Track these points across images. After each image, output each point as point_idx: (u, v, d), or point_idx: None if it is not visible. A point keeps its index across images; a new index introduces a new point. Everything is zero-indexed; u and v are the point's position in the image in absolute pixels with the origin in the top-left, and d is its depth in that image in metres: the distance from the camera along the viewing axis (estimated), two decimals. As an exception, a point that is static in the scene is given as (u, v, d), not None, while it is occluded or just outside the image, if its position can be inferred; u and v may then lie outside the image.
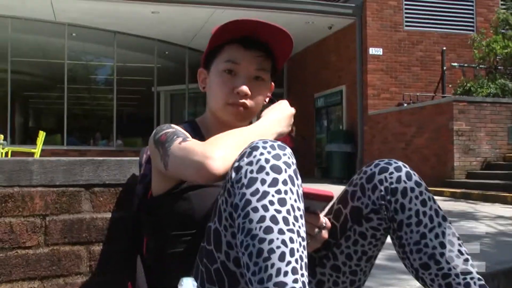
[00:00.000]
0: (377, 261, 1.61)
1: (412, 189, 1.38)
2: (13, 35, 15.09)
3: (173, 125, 1.52)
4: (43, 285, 1.69)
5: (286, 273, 1.05)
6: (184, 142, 1.35)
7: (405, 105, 12.53)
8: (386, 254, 1.55)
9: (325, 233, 1.40)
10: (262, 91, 1.55)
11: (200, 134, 1.58)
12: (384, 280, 2.68)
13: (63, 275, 1.72)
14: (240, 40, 1.49)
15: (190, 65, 17.07)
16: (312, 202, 1.30)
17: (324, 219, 1.40)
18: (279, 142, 1.20)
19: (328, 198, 1.30)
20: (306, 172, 14.84)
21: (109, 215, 1.78)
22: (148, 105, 17.08)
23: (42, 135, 9.85)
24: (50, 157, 1.78)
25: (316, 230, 1.37)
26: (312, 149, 15.57)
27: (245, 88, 1.48)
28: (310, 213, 1.33)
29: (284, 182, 1.14)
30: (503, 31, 12.32)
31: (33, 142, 10.46)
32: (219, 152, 1.25)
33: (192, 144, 1.34)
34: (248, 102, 1.51)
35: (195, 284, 1.11)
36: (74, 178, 1.73)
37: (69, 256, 1.72)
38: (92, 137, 17.19)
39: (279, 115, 1.44)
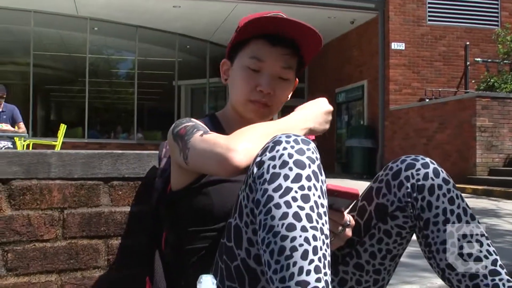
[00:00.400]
0: (398, 258, 1.57)
1: (440, 187, 1.33)
2: (35, 29, 15.22)
3: (192, 119, 1.49)
4: (61, 278, 1.67)
5: (308, 272, 1.02)
6: (206, 135, 1.33)
7: (427, 100, 12.40)
8: (407, 251, 1.51)
9: (348, 231, 1.36)
10: (286, 90, 1.52)
11: (221, 128, 1.55)
12: (405, 278, 2.65)
13: (81, 269, 1.70)
14: (267, 35, 1.45)
15: (211, 59, 17.09)
16: (337, 199, 1.26)
17: (348, 217, 1.36)
18: (302, 137, 1.17)
19: (354, 195, 1.25)
20: (326, 167, 14.42)
21: (127, 209, 1.76)
22: (169, 99, 17.14)
23: (63, 128, 9.91)
24: (68, 150, 1.76)
25: (340, 228, 1.33)
26: (332, 144, 15.49)
27: (268, 88, 1.46)
28: (334, 210, 1.29)
29: (308, 178, 1.10)
30: (528, 25, 12.15)
31: (54, 135, 10.53)
32: (243, 144, 1.22)
33: (214, 136, 1.31)
34: (270, 101, 1.48)
35: (215, 281, 1.07)
36: (92, 171, 1.71)
37: (87, 250, 1.71)
38: (113, 130, 17.31)
39: (312, 111, 1.40)
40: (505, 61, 12.51)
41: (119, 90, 18.25)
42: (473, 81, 13.17)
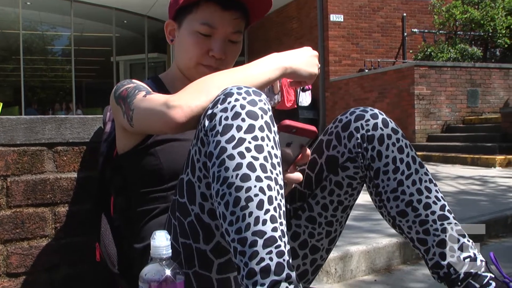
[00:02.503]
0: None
1: (389, 136, 1.34)
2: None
3: (134, 80, 1.46)
4: (7, 249, 1.62)
5: (265, 222, 1.02)
6: (148, 95, 1.30)
7: (367, 70, 12.58)
8: (352, 214, 1.52)
9: (299, 175, 1.35)
10: (236, 52, 1.51)
11: (164, 89, 1.53)
12: (351, 239, 2.70)
13: (27, 238, 1.65)
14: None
15: (149, 34, 16.79)
16: (295, 137, 1.24)
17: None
18: (254, 88, 1.15)
19: (312, 132, 1.24)
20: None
21: (74, 175, 1.72)
22: (107, 75, 16.80)
23: (-1, 106, 9.59)
24: (9, 116, 1.69)
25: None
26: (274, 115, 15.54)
27: (221, 53, 1.45)
28: (295, 148, 1.28)
29: (261, 129, 1.10)
30: (462, -4, 12.46)
31: (-11, 114, 10.18)
32: (183, 100, 1.20)
33: (156, 95, 1.29)
34: (221, 65, 1.47)
35: (169, 236, 1.06)
36: (35, 137, 1.65)
37: (33, 218, 1.66)
38: (51, 109, 16.86)
39: (290, 52, 1.37)
40: (440, 31, 12.79)
41: (56, 67, 17.76)
42: (410, 51, 13.45)
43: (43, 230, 1.67)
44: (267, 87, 7.75)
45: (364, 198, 1.44)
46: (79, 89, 16.64)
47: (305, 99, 8.57)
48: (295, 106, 10.46)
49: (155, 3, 14.90)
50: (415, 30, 13.62)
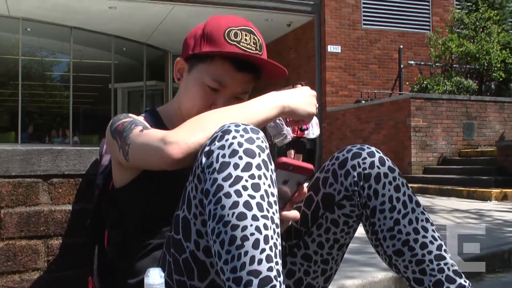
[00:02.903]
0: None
1: (386, 175, 1.34)
2: (-36, 30, 14.64)
3: (130, 115, 1.45)
4: (-2, 281, 1.60)
5: (260, 261, 1.01)
6: (145, 130, 1.30)
7: (363, 102, 12.66)
8: (348, 247, 1.51)
9: (296, 213, 1.34)
10: None
11: (161, 124, 1.52)
12: (347, 273, 2.68)
13: (19, 271, 1.63)
14: (234, 58, 1.40)
15: (148, 62, 16.87)
16: (291, 175, 1.24)
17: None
18: (251, 126, 1.15)
19: (309, 170, 1.24)
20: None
21: (69, 207, 1.70)
22: (105, 102, 16.80)
23: (-5, 132, 9.58)
24: (5, 147, 1.68)
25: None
26: (271, 146, 15.56)
27: None
28: (292, 186, 1.27)
29: (258, 167, 1.09)
30: (458, 30, 12.59)
31: (-15, 140, 10.16)
32: (180, 136, 1.20)
33: (153, 130, 1.29)
34: None
35: (163, 274, 1.05)
36: (31, 168, 1.65)
37: (26, 251, 1.64)
38: (47, 135, 16.83)
39: (288, 91, 1.37)
40: (437, 64, 12.91)
41: (54, 93, 17.77)
42: (407, 83, 13.55)
43: (36, 263, 1.66)
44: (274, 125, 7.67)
45: (359, 231, 1.44)
46: (77, 116, 16.62)
47: (312, 130, 8.48)
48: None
49: (154, 31, 15.01)
50: (412, 62, 13.76)
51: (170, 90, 16.89)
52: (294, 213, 1.31)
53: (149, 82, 16.98)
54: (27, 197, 1.64)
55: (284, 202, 1.28)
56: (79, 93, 16.56)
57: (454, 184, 8.40)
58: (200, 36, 1.43)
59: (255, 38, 1.44)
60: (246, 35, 1.42)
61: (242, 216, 1.04)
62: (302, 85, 5.06)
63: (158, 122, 1.53)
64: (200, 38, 1.42)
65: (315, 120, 7.85)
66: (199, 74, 1.43)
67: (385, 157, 1.37)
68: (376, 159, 1.36)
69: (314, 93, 1.41)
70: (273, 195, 1.10)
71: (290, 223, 1.39)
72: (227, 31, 1.40)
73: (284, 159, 1.21)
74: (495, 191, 7.35)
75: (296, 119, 1.38)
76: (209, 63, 1.41)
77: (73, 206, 1.71)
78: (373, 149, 1.38)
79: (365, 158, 1.36)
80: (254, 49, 1.42)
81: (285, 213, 1.28)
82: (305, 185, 1.34)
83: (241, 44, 1.40)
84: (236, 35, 1.40)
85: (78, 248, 1.71)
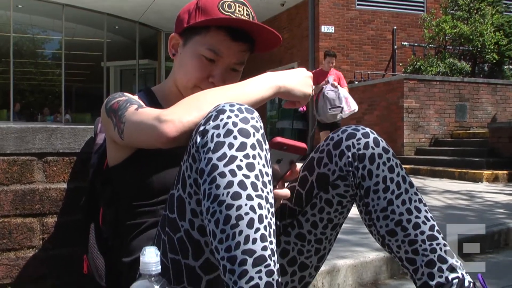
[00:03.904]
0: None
1: (380, 155, 1.35)
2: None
3: (125, 93, 1.45)
4: (-7, 258, 1.60)
5: (255, 240, 1.02)
6: (140, 109, 1.30)
7: (356, 82, 12.64)
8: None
9: (287, 192, 1.35)
10: (235, 80, 1.50)
11: (156, 103, 1.52)
12: (339, 253, 2.70)
13: (14, 249, 1.64)
14: (229, 28, 1.42)
15: (140, 40, 16.75)
16: (285, 154, 1.25)
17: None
18: (246, 105, 1.16)
19: (302, 149, 1.25)
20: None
21: (63, 185, 1.71)
22: (97, 81, 16.72)
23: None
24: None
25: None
26: (263, 126, 15.56)
27: (220, 81, 1.44)
28: (285, 164, 1.28)
29: (253, 147, 1.10)
30: (452, 11, 12.56)
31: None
32: (175, 114, 1.20)
33: (148, 109, 1.29)
34: None
35: (158, 253, 1.05)
36: (26, 146, 1.65)
37: (21, 229, 1.65)
38: (39, 113, 16.75)
39: (283, 72, 1.37)
40: (430, 45, 12.90)
41: (46, 71, 17.65)
42: (400, 64, 13.54)
43: (31, 241, 1.66)
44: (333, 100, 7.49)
45: (352, 211, 1.45)
46: (69, 94, 16.54)
47: (349, 107, 7.71)
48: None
49: (147, 9, 14.88)
50: (405, 43, 13.72)
51: (163, 69, 16.82)
52: (285, 191, 1.33)
53: (142, 61, 16.89)
54: (22, 175, 1.64)
55: (276, 180, 1.30)
56: (71, 71, 16.47)
57: (446, 166, 8.44)
58: (194, 9, 1.45)
59: (248, 10, 1.46)
60: (239, 7, 1.44)
61: (236, 196, 1.05)
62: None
63: (153, 101, 1.53)
64: (195, 11, 1.45)
65: (348, 95, 7.72)
66: (194, 46, 1.45)
67: (379, 138, 1.38)
68: (370, 140, 1.37)
69: (310, 74, 1.41)
70: (267, 174, 1.11)
71: (282, 201, 1.41)
72: (220, 3, 1.43)
73: (278, 138, 1.23)
74: (486, 172, 7.40)
75: (292, 99, 1.38)
76: (204, 34, 1.43)
77: (68, 184, 1.71)
78: (367, 130, 1.39)
79: (359, 139, 1.37)
80: (247, 19, 1.44)
81: (276, 191, 1.30)
82: (299, 164, 1.35)
83: (235, 14, 1.42)
84: (229, 6, 1.43)
85: (73, 226, 1.71)
